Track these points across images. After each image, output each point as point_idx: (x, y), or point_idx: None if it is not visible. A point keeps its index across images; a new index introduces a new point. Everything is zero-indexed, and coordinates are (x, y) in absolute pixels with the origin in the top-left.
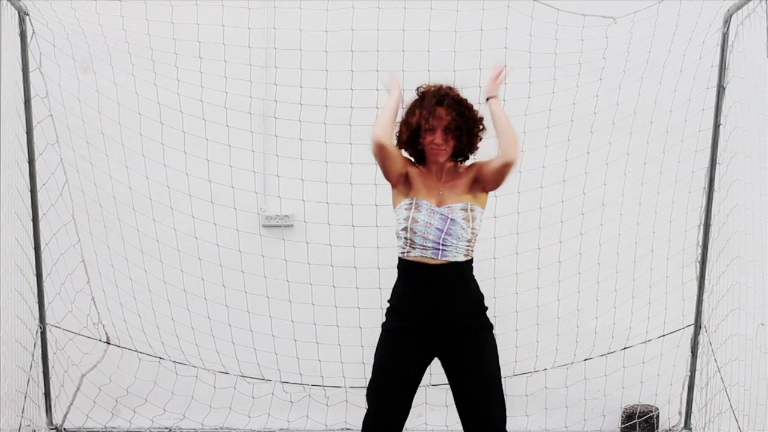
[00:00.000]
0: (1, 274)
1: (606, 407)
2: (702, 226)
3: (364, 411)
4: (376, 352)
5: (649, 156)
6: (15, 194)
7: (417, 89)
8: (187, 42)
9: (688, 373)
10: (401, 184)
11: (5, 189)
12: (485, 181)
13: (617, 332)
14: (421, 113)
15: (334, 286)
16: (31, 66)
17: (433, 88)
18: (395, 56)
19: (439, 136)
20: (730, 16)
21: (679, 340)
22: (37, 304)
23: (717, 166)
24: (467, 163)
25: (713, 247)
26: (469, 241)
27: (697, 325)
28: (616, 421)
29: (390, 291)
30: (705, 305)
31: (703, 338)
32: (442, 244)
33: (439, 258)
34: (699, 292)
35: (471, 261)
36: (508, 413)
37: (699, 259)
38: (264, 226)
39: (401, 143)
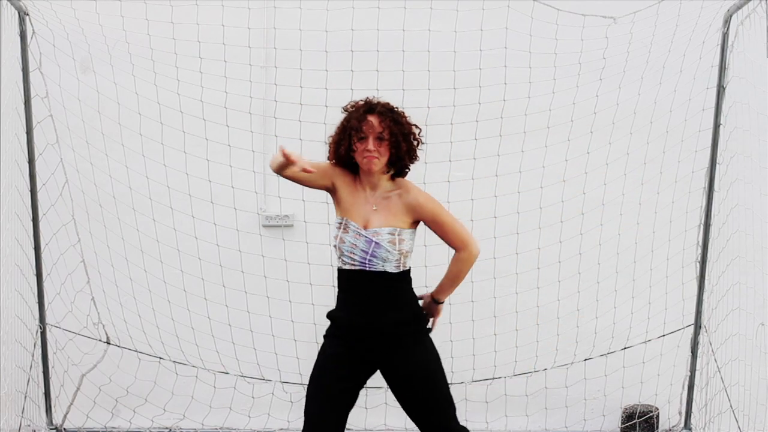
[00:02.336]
0: (1, 274)
1: (606, 407)
2: (702, 226)
3: (364, 411)
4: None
5: (649, 156)
6: (15, 194)
7: (343, 108)
8: (187, 42)
9: (688, 373)
10: (334, 195)
11: (5, 189)
12: (428, 225)
13: (617, 332)
14: (351, 123)
15: (334, 286)
16: (31, 66)
17: (362, 101)
18: (395, 56)
19: (371, 143)
20: (730, 16)
21: (679, 340)
22: (37, 304)
23: (717, 166)
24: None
25: (713, 247)
26: (397, 259)
27: (697, 325)
28: (616, 421)
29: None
30: (705, 305)
31: (703, 338)
32: (369, 262)
33: (367, 269)
34: (699, 292)
35: (404, 272)
36: (507, 413)
37: (699, 259)
38: (264, 226)
39: (337, 156)
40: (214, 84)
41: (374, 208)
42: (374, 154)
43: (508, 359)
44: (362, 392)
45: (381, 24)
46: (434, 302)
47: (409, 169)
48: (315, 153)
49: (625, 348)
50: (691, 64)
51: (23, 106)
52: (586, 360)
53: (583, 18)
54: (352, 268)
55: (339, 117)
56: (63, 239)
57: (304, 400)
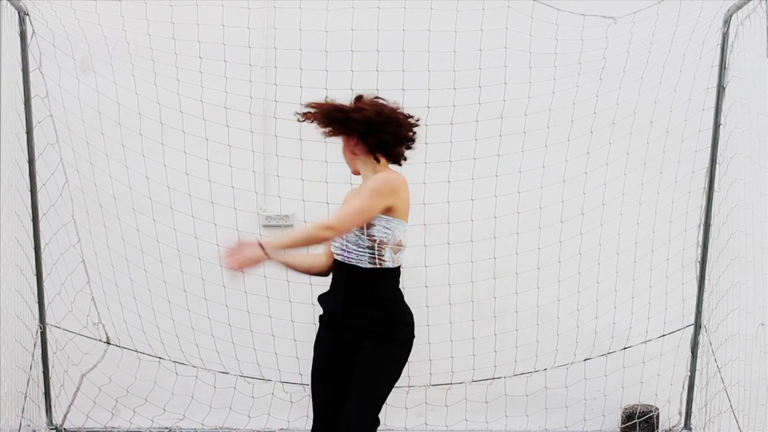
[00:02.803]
0: (1, 274)
1: (606, 407)
2: (702, 226)
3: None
4: None
5: (649, 156)
6: (15, 194)
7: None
8: (187, 42)
9: (688, 373)
10: None
11: (5, 189)
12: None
13: (617, 332)
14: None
15: None
16: (31, 66)
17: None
18: (395, 56)
19: (342, 146)
20: (730, 16)
21: (679, 340)
22: (37, 304)
23: (717, 166)
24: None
25: (713, 247)
26: (370, 248)
27: (697, 325)
28: (616, 421)
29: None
30: (705, 305)
31: (703, 338)
32: (346, 250)
33: (345, 261)
34: (699, 292)
35: (382, 271)
36: (507, 413)
37: (699, 259)
38: (264, 226)
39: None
40: (214, 84)
41: (352, 195)
42: (345, 158)
43: (508, 359)
44: None
45: (381, 24)
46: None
47: (394, 155)
48: (315, 153)
49: (625, 348)
50: (691, 64)
51: (23, 106)
52: (586, 360)
53: (583, 18)
54: (336, 257)
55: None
56: (63, 239)
57: (303, 400)
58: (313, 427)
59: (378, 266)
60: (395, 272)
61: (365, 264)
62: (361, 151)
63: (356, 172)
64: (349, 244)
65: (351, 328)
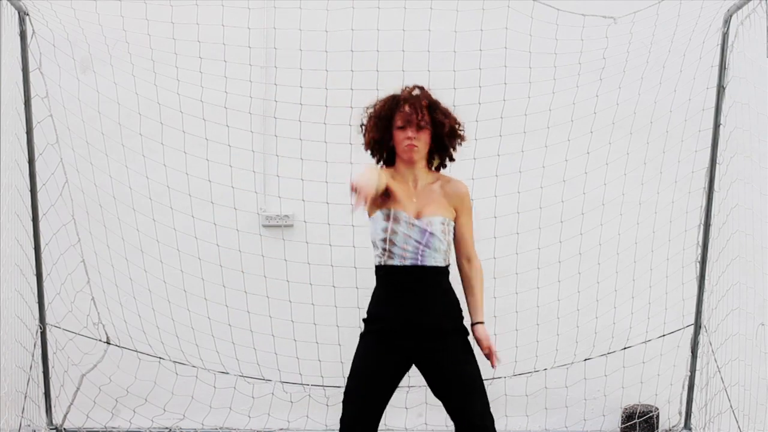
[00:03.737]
0: (1, 274)
1: (606, 407)
2: (702, 226)
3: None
4: (354, 358)
5: (649, 156)
6: (15, 194)
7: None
8: (187, 42)
9: (688, 373)
10: (382, 194)
11: (5, 189)
12: (455, 219)
13: (617, 332)
14: (392, 109)
15: (334, 286)
16: (31, 66)
17: (406, 89)
18: (395, 56)
19: (412, 131)
20: (730, 16)
21: (679, 340)
22: (37, 304)
23: (717, 166)
24: (443, 171)
25: (713, 247)
26: (445, 251)
27: (697, 325)
28: (616, 421)
29: None
30: (705, 305)
31: (703, 338)
32: (421, 255)
33: (419, 264)
34: (699, 292)
35: (448, 267)
36: (507, 413)
37: (699, 259)
38: (264, 226)
39: (372, 142)
40: (214, 84)
41: (414, 200)
42: (414, 143)
43: (508, 359)
44: None
45: (381, 24)
46: (479, 324)
47: (451, 160)
48: (315, 153)
49: (625, 348)
50: (691, 64)
51: (23, 106)
52: (586, 360)
53: (583, 18)
54: (402, 263)
55: (340, 116)
56: (63, 239)
57: (303, 400)
58: None
59: (447, 263)
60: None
61: (441, 262)
62: (425, 145)
63: (412, 161)
64: (428, 250)
65: (425, 329)
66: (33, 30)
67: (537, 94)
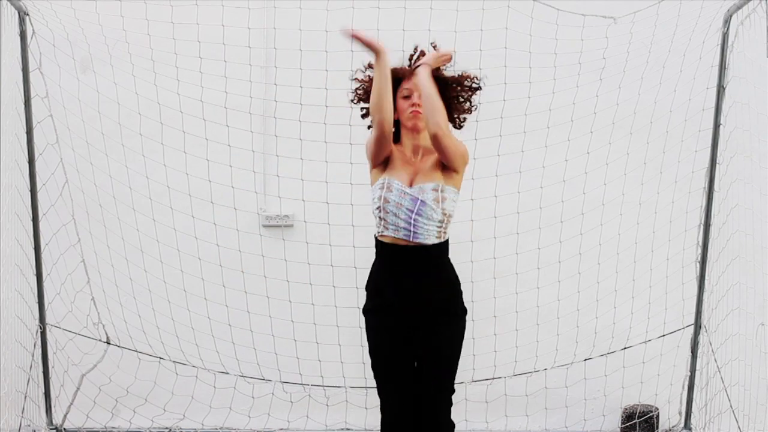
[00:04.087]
0: (1, 274)
1: (606, 407)
2: (702, 226)
3: (364, 411)
4: (367, 337)
5: (649, 156)
6: (15, 194)
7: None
8: (187, 42)
9: (688, 373)
10: (382, 163)
11: (5, 189)
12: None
13: (617, 332)
14: (396, 81)
15: (334, 286)
16: (31, 66)
17: (410, 56)
18: (395, 56)
19: (417, 96)
20: (730, 16)
21: (679, 340)
22: (37, 304)
23: (717, 166)
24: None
25: (713, 247)
26: (440, 221)
27: (697, 325)
28: (616, 421)
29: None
30: (705, 305)
31: (703, 338)
32: (414, 225)
33: (411, 240)
34: (699, 292)
35: (445, 243)
36: (507, 413)
37: (699, 259)
38: (264, 226)
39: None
40: (214, 84)
41: (411, 168)
42: (419, 109)
43: (508, 359)
44: (362, 392)
45: (381, 24)
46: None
47: (460, 125)
48: (315, 153)
49: (625, 348)
50: (691, 64)
51: (23, 106)
52: (586, 360)
53: (583, 18)
54: (396, 234)
55: (340, 116)
56: (63, 239)
57: (303, 399)
58: (387, 422)
59: (443, 239)
60: (448, 242)
61: (432, 239)
62: None
63: (417, 129)
64: (420, 218)
65: (418, 306)
66: (33, 30)
67: (537, 94)
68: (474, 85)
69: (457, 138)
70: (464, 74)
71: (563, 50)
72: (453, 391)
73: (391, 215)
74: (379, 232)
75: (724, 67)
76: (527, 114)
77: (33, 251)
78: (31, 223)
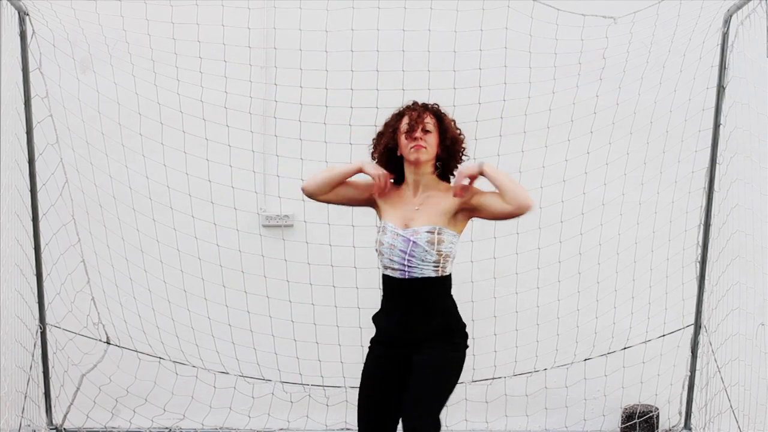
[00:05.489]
0: (1, 274)
1: (606, 407)
2: (702, 226)
3: None
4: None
5: (649, 156)
6: (15, 194)
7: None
8: (187, 42)
9: (688, 373)
10: (377, 207)
11: (5, 189)
12: (481, 213)
13: (617, 332)
14: (399, 118)
15: (334, 286)
16: (31, 66)
17: (412, 103)
18: (395, 56)
19: (419, 131)
20: (730, 16)
21: (679, 340)
22: (37, 304)
23: (717, 166)
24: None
25: (713, 247)
26: (436, 262)
27: (697, 325)
28: (616, 421)
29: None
30: (705, 305)
31: (703, 338)
32: (408, 265)
33: (406, 276)
34: (699, 292)
35: (443, 278)
36: (507, 413)
37: (699, 259)
38: (264, 226)
39: (380, 156)
40: (214, 84)
41: (416, 208)
42: (421, 143)
43: (508, 359)
44: None
45: (381, 24)
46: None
47: (450, 174)
48: (315, 153)
49: (625, 348)
50: (691, 64)
51: (23, 106)
52: (586, 360)
53: (583, 18)
54: (393, 275)
55: (340, 116)
56: (63, 239)
57: (303, 400)
58: None
59: (442, 274)
60: (450, 278)
61: (429, 273)
62: (432, 148)
63: (419, 163)
64: (414, 259)
65: (411, 342)
66: (33, 30)
67: (537, 94)
68: (464, 142)
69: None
70: (461, 135)
71: (563, 50)
72: (436, 425)
73: (386, 257)
74: (381, 271)
75: (724, 67)
76: (527, 114)
77: (33, 251)
78: (31, 223)
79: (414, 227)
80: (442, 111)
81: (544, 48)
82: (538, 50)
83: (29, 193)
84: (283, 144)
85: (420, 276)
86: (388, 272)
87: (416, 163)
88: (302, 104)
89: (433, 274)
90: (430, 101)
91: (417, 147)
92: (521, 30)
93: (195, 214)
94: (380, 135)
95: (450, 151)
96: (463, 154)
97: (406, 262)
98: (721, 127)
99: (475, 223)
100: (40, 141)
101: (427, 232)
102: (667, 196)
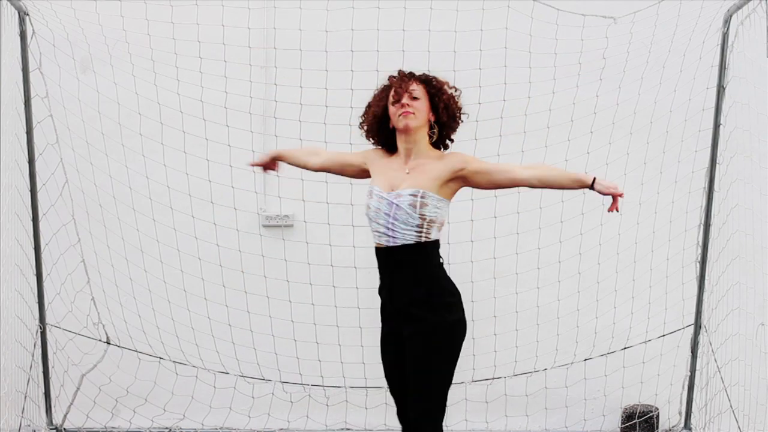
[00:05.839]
0: (1, 274)
1: (606, 407)
2: (702, 226)
3: (364, 411)
4: None
5: (649, 156)
6: (15, 194)
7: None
8: (187, 42)
9: (688, 373)
10: (370, 176)
11: (5, 189)
12: (478, 184)
13: (617, 332)
14: (386, 89)
15: (334, 286)
16: (31, 66)
17: (397, 72)
18: (395, 56)
19: (406, 98)
20: (730, 16)
21: (679, 340)
22: (37, 304)
23: (717, 166)
24: (449, 151)
25: (713, 247)
26: (419, 226)
27: (697, 325)
28: (616, 421)
29: None
30: (705, 305)
31: (703, 338)
32: (391, 229)
33: (390, 243)
34: (699, 292)
35: (427, 243)
36: (507, 413)
37: (699, 259)
38: (264, 226)
39: (370, 129)
40: (214, 84)
41: (407, 172)
42: (409, 110)
43: (508, 359)
44: (362, 392)
45: (381, 24)
46: (594, 183)
47: (451, 138)
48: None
49: (625, 348)
50: (691, 64)
51: (23, 106)
52: (586, 360)
53: (583, 18)
54: (380, 243)
55: (340, 116)
56: (63, 239)
57: (303, 400)
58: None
59: (425, 239)
60: (437, 244)
61: (411, 240)
62: (422, 114)
63: (409, 130)
64: (397, 223)
65: (400, 313)
66: (33, 30)
67: (537, 94)
68: (460, 103)
69: (457, 152)
70: (456, 93)
71: (563, 50)
72: (436, 410)
73: (374, 222)
74: (373, 240)
75: (724, 67)
76: (527, 114)
77: (33, 251)
78: (31, 223)
79: (398, 190)
80: (430, 75)
81: (544, 48)
82: (538, 50)
83: (29, 193)
84: (283, 144)
85: (403, 243)
86: (376, 240)
87: (406, 130)
88: (302, 104)
89: (416, 239)
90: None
91: (405, 114)
92: (521, 30)
93: (195, 214)
94: (368, 106)
95: (448, 111)
96: (461, 114)
97: (390, 226)
98: (721, 127)
99: (475, 223)
100: (40, 141)
101: (410, 195)
102: (667, 196)
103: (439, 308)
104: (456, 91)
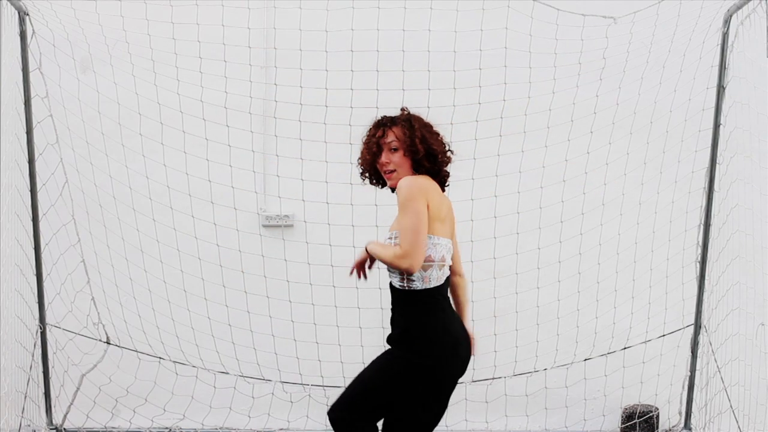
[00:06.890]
0: (1, 274)
1: (606, 407)
2: (702, 226)
3: None
4: None
5: (649, 156)
6: (15, 194)
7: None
8: (187, 42)
9: (688, 373)
10: None
11: (5, 189)
12: None
13: (617, 332)
14: (369, 141)
15: (334, 286)
16: (31, 66)
17: (379, 118)
18: (395, 56)
19: (385, 155)
20: (730, 16)
21: (679, 340)
22: (37, 304)
23: (717, 166)
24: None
25: (713, 247)
26: (401, 273)
27: (697, 325)
28: (616, 421)
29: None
30: (705, 305)
31: (703, 338)
32: (389, 272)
33: (390, 281)
34: (699, 292)
35: (408, 292)
36: (507, 413)
37: (699, 259)
38: (264, 226)
39: (371, 178)
40: (214, 84)
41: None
42: (389, 168)
43: (508, 359)
44: None
45: (381, 24)
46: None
47: (441, 171)
48: (315, 153)
49: (625, 348)
50: (691, 64)
51: (23, 106)
52: (586, 360)
53: (583, 18)
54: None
55: (340, 116)
56: (63, 239)
57: (303, 400)
58: None
59: (407, 288)
60: (425, 293)
61: (396, 283)
62: (403, 165)
63: (394, 187)
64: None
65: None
66: (33, 30)
67: (537, 94)
68: (447, 152)
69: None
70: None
71: (563, 50)
72: (343, 419)
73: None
74: None
75: (724, 67)
76: (527, 114)
77: (33, 251)
78: (31, 223)
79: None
80: (410, 119)
81: (544, 48)
82: (538, 50)
83: (29, 193)
84: (283, 144)
85: (391, 282)
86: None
87: (392, 189)
88: (302, 104)
89: (397, 285)
90: (405, 103)
91: (388, 177)
92: (521, 30)
93: (195, 214)
94: (361, 154)
95: (427, 149)
96: (447, 152)
97: (387, 269)
98: (721, 127)
99: (475, 223)
100: (40, 141)
101: (388, 238)
102: (667, 196)
103: (400, 347)
104: (431, 134)
